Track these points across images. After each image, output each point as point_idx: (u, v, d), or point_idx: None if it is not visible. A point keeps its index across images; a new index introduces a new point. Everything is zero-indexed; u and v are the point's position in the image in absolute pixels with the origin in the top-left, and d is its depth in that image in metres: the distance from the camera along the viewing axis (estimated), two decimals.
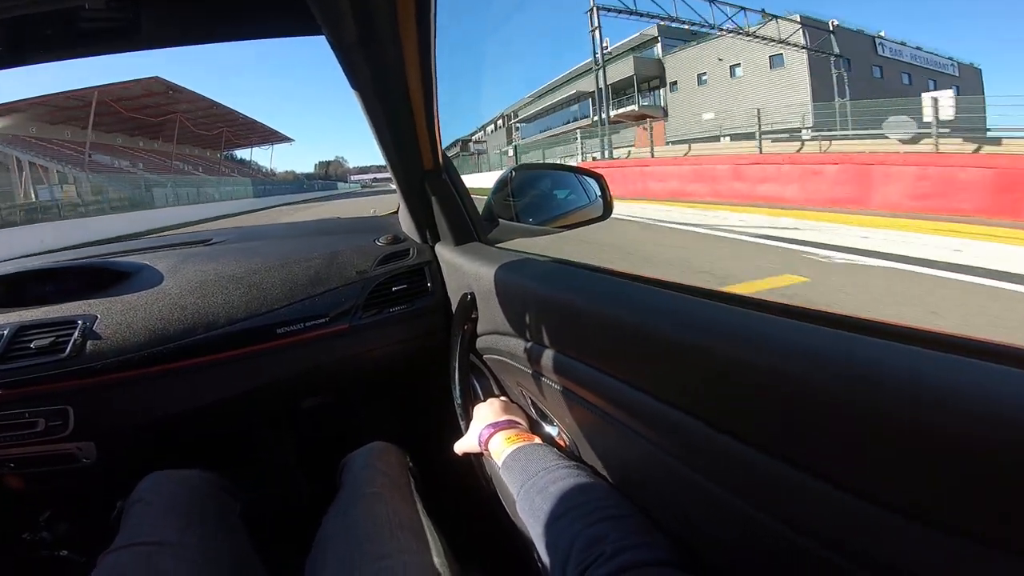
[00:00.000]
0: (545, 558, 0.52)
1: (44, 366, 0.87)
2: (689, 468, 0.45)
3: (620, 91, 27.89)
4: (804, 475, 0.34)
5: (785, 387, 0.35)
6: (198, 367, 0.95)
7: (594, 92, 22.94)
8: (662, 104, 27.17)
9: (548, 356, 0.67)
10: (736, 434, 0.39)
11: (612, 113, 24.80)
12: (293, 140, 48.96)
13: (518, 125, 38.67)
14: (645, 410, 0.49)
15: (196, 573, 0.66)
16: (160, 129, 33.49)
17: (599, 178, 1.07)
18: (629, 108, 27.11)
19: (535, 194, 1.10)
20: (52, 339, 0.88)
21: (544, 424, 0.81)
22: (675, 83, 26.42)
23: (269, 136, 46.79)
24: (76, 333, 0.89)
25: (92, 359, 0.88)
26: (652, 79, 27.50)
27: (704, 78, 25.14)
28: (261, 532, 0.85)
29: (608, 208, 1.05)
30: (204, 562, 0.68)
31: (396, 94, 0.80)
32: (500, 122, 43.97)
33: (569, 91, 31.20)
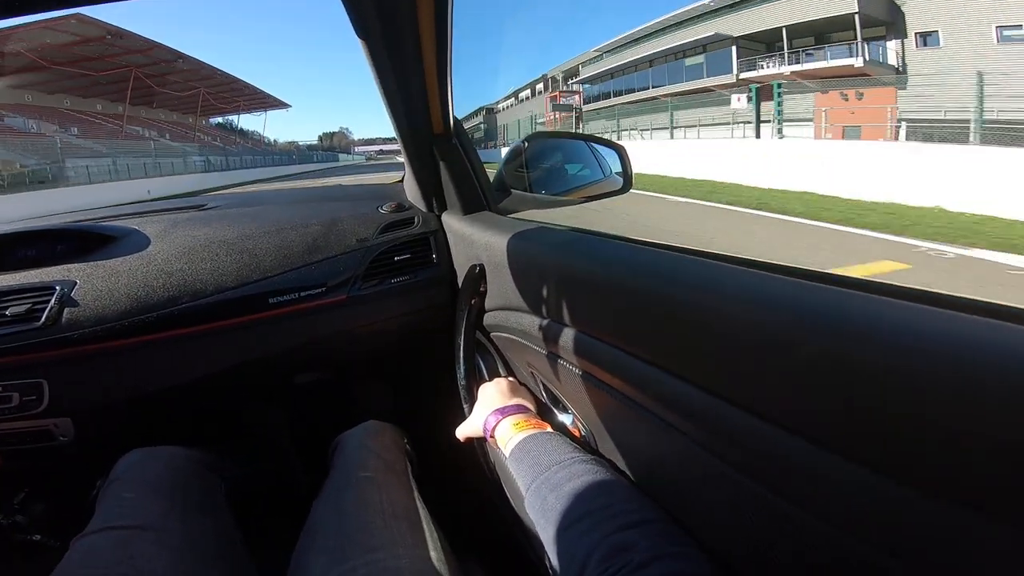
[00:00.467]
0: (556, 563, 0.47)
1: (18, 335, 0.81)
2: (726, 464, 0.39)
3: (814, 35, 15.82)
4: (866, 472, 0.29)
5: (846, 369, 0.29)
6: (184, 338, 0.88)
7: (736, 38, 16.56)
8: (888, 62, 14.45)
9: (566, 335, 0.60)
10: (788, 427, 0.33)
11: (795, 68, 15.98)
12: (290, 106, 45.68)
13: (576, 86, 29.32)
14: (677, 397, 0.43)
15: (177, 559, 0.61)
16: (123, 89, 29.26)
17: (619, 149, 1.01)
18: (838, 63, 15.01)
19: (551, 165, 1.05)
20: (28, 306, 0.82)
21: (556, 410, 0.75)
22: (930, 33, 13.36)
23: (259, 100, 42.44)
24: (53, 300, 0.82)
25: (69, 328, 0.82)
26: (874, 23, 14.48)
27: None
28: (249, 512, 0.80)
29: (628, 181, 0.99)
30: (186, 547, 0.63)
31: (408, 47, 0.74)
32: (540, 86, 34.68)
33: (689, 35, 19.69)
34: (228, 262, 0.92)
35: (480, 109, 44.42)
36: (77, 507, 0.93)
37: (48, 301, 0.82)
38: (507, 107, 40.24)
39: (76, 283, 0.85)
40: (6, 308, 0.82)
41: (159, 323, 0.86)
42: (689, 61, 20.33)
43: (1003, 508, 0.24)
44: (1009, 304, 0.29)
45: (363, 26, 0.70)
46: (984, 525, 0.24)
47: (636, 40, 23.34)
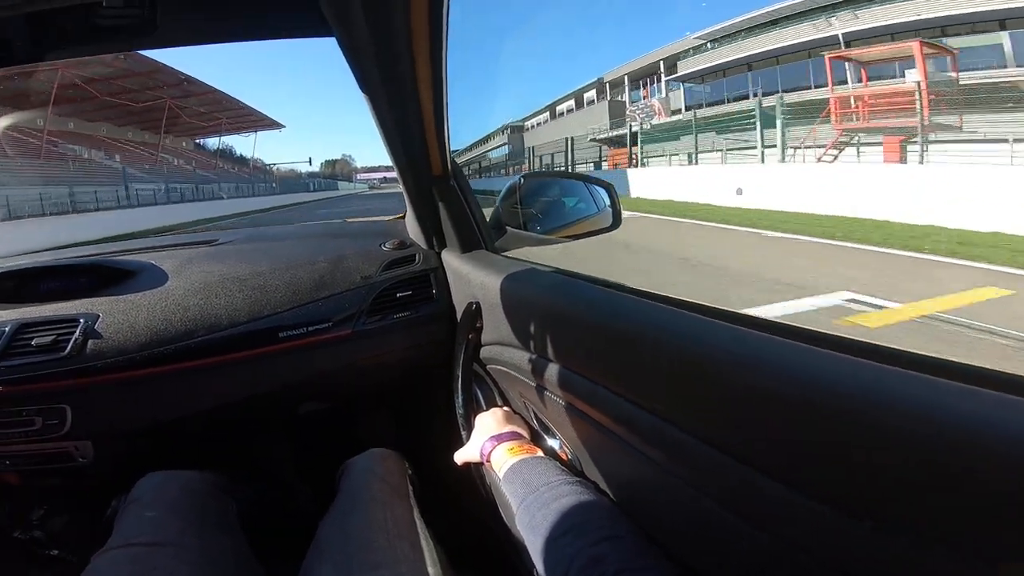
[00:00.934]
0: (543, 574, 0.51)
1: (44, 364, 0.86)
2: (693, 488, 0.44)
3: None
4: (811, 501, 0.33)
5: (789, 411, 0.35)
6: (199, 369, 0.94)
7: None
8: None
9: (552, 369, 0.66)
10: (741, 457, 0.38)
11: None
12: (283, 126, 40.45)
13: (675, 84, 22.20)
14: (648, 429, 0.48)
15: (194, 574, 0.65)
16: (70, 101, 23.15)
17: (608, 187, 1.07)
18: None
19: (543, 202, 1.10)
20: (53, 337, 0.88)
21: (546, 437, 0.79)
22: None
23: (247, 119, 35.86)
24: (77, 332, 0.88)
25: (92, 358, 0.88)
26: None
27: None
28: (258, 535, 0.84)
29: (617, 218, 1.04)
30: (202, 564, 0.67)
31: (406, 98, 0.80)
32: (592, 94, 28.37)
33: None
34: (241, 298, 0.98)
35: (504, 128, 40.68)
36: (94, 525, 0.97)
37: (73, 333, 0.88)
38: (539, 124, 35.51)
39: (99, 316, 0.91)
40: (32, 339, 0.88)
41: (176, 355, 0.91)
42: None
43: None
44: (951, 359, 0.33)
45: (364, 80, 0.76)
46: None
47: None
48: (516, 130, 38.87)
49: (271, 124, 39.11)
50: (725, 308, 0.49)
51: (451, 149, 0.97)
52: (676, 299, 0.54)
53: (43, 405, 0.88)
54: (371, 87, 0.77)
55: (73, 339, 0.88)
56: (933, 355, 0.34)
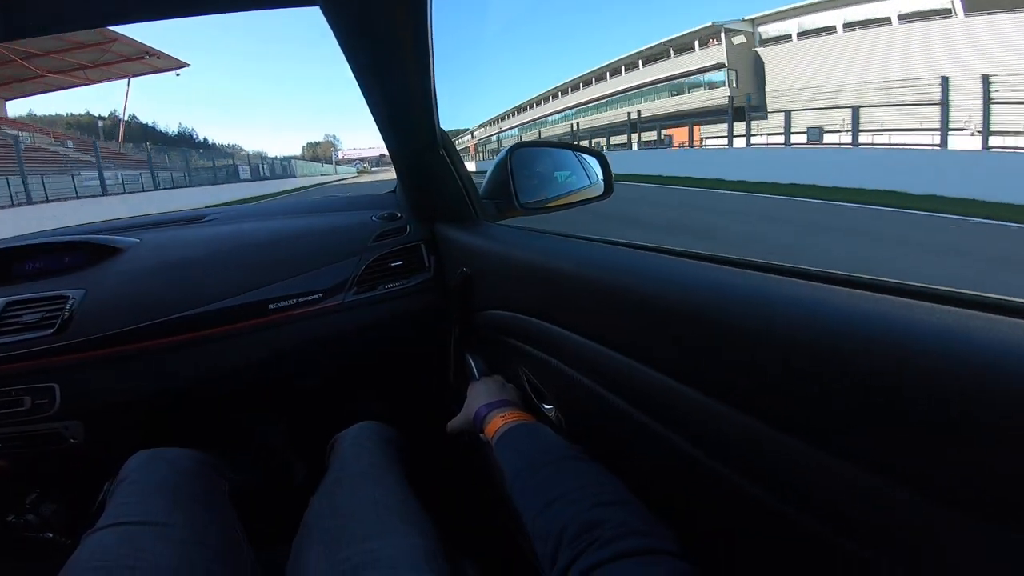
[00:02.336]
0: (537, 543, 0.50)
1: (31, 342, 0.86)
2: (692, 445, 0.43)
3: None
4: (820, 452, 0.31)
5: (795, 356, 0.33)
6: (188, 343, 0.93)
7: None
8: None
9: (547, 331, 0.65)
10: (743, 407, 0.37)
11: None
12: (187, 65, 24.01)
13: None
14: (648, 386, 0.47)
15: (182, 553, 0.64)
16: None
17: (600, 156, 1.06)
18: None
19: (535, 174, 1.09)
20: (41, 314, 0.87)
21: (540, 404, 0.80)
22: None
23: (106, 54, 19.91)
24: (66, 308, 0.87)
25: (80, 335, 0.87)
26: None
27: None
28: (248, 512, 0.83)
29: (609, 187, 1.04)
30: (191, 542, 0.66)
31: (393, 66, 0.78)
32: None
33: None
34: (230, 272, 0.97)
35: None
36: (86, 507, 0.97)
37: (61, 309, 0.87)
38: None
39: (86, 292, 0.90)
40: (21, 316, 0.87)
41: (165, 329, 0.90)
42: None
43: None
44: (999, 296, 0.30)
45: (349, 47, 0.75)
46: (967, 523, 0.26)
47: None
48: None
49: (165, 64, 23.07)
50: (727, 255, 0.47)
51: (440, 120, 0.96)
52: (678, 249, 0.53)
53: (31, 384, 0.87)
54: (357, 55, 0.75)
55: (61, 316, 0.87)
56: (913, 284, 0.33)
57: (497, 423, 0.68)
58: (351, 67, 0.79)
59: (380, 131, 0.95)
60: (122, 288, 0.92)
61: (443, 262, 1.08)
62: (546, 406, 0.78)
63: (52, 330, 0.86)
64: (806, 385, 0.32)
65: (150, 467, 0.78)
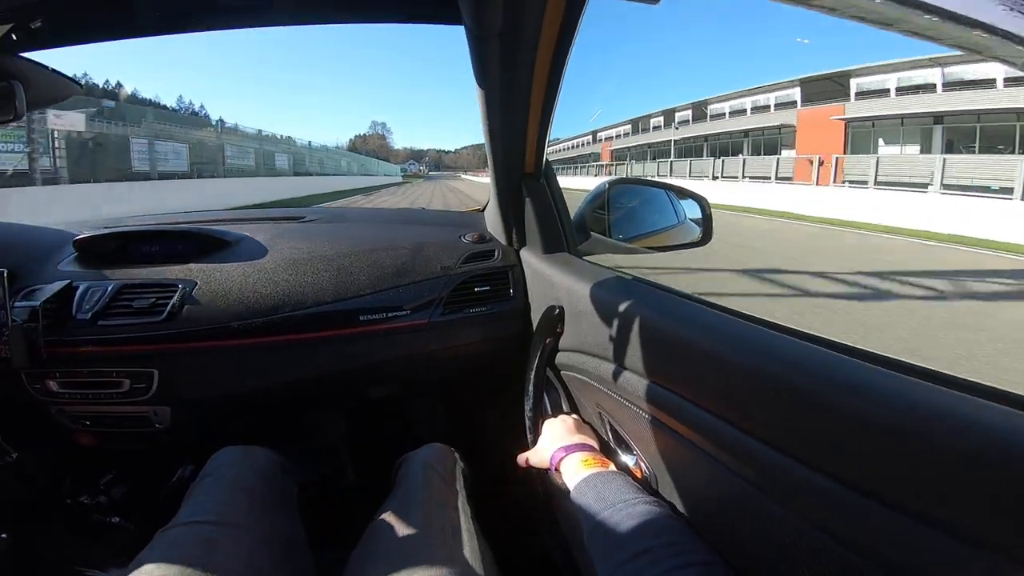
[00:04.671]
0: None
1: (141, 327, 0.89)
2: (785, 510, 0.42)
3: None
4: (913, 521, 0.33)
5: (899, 444, 0.34)
6: (282, 344, 0.95)
7: None
8: None
9: (638, 383, 0.64)
10: (841, 479, 0.37)
11: None
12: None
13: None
14: (743, 448, 0.46)
15: (252, 555, 0.65)
16: None
17: (701, 200, 1.03)
18: None
19: (629, 209, 1.07)
20: (152, 300, 0.91)
21: (619, 451, 0.77)
22: None
23: None
24: (175, 297, 0.91)
25: (187, 324, 0.90)
26: None
27: None
28: (311, 519, 0.84)
29: (708, 234, 1.00)
30: (262, 545, 0.67)
31: (519, 91, 0.79)
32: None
33: None
34: (327, 277, 0.99)
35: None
36: (157, 493, 1.00)
37: (171, 298, 0.91)
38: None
39: (196, 283, 0.94)
40: (132, 300, 0.91)
41: (264, 328, 0.93)
42: None
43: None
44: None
45: (484, 74, 0.76)
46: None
47: None
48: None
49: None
50: (821, 335, 0.48)
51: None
52: (782, 326, 0.52)
53: (133, 368, 0.91)
54: (488, 79, 0.76)
55: (171, 303, 0.90)
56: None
57: (577, 468, 0.66)
58: (479, 87, 0.80)
59: (488, 150, 0.96)
60: (229, 284, 0.95)
61: (528, 292, 1.07)
62: (625, 456, 0.75)
63: (161, 317, 0.90)
64: (913, 472, 0.34)
65: (236, 465, 0.80)
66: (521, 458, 0.79)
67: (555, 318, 0.87)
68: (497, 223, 1.14)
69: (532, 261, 1.04)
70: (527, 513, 0.98)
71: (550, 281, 0.92)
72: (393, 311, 1.00)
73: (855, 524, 0.36)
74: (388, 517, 0.75)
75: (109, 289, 0.91)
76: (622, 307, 0.69)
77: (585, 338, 0.78)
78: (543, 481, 0.89)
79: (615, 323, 0.70)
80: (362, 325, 0.98)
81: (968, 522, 0.30)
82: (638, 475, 0.71)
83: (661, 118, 32.54)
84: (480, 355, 1.10)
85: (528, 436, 0.85)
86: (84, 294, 0.91)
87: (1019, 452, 0.29)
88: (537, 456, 0.76)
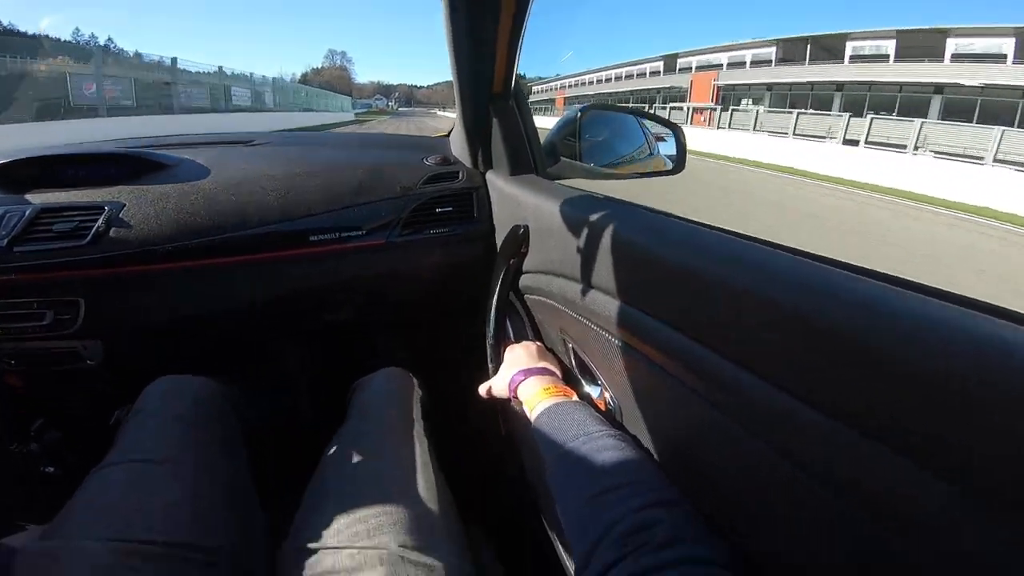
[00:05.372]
0: (570, 531, 0.47)
1: (62, 251, 0.81)
2: (762, 442, 0.39)
3: None
4: (910, 461, 0.29)
5: (905, 373, 0.29)
6: (223, 267, 0.89)
7: None
8: None
9: (607, 303, 0.60)
10: (827, 409, 0.33)
11: None
12: None
13: None
14: (720, 374, 0.42)
15: (191, 495, 0.61)
16: None
17: (675, 128, 0.99)
18: None
19: (603, 138, 1.03)
20: (75, 224, 0.82)
21: (583, 380, 0.74)
22: None
23: None
24: (100, 220, 0.83)
25: (113, 248, 0.82)
26: None
27: None
28: (259, 447, 0.81)
29: (682, 161, 0.97)
30: (198, 483, 0.63)
31: (489, 7, 0.73)
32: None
33: None
34: (274, 197, 0.92)
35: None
36: (94, 437, 0.94)
37: (96, 220, 0.83)
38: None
39: (125, 205, 0.85)
40: (53, 224, 0.82)
41: (201, 250, 0.86)
42: None
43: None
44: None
45: None
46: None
47: None
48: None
49: None
50: (818, 253, 0.44)
51: (518, 68, 0.90)
52: (768, 241, 0.48)
53: (56, 298, 0.83)
54: None
55: (96, 226, 0.82)
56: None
57: (537, 396, 0.63)
58: (447, 6, 0.73)
59: (453, 69, 0.89)
60: (162, 205, 0.87)
61: (494, 214, 1.03)
62: (589, 386, 0.73)
63: (84, 241, 0.81)
64: (906, 399, 0.30)
65: (171, 396, 0.75)
66: (483, 387, 0.75)
67: (519, 237, 0.82)
68: (463, 146, 1.07)
69: (498, 182, 0.99)
70: (488, 445, 0.97)
71: (516, 201, 0.88)
72: (347, 231, 0.94)
73: (840, 459, 0.33)
74: (339, 451, 0.71)
75: (27, 213, 0.82)
76: (592, 224, 0.65)
77: (551, 258, 0.74)
78: (504, 412, 0.87)
79: (584, 241, 0.66)
80: (312, 245, 0.92)
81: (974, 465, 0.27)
82: (601, 407, 0.69)
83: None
84: (442, 278, 1.06)
85: (490, 365, 0.82)
86: None
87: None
88: (496, 383, 0.72)
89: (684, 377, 0.48)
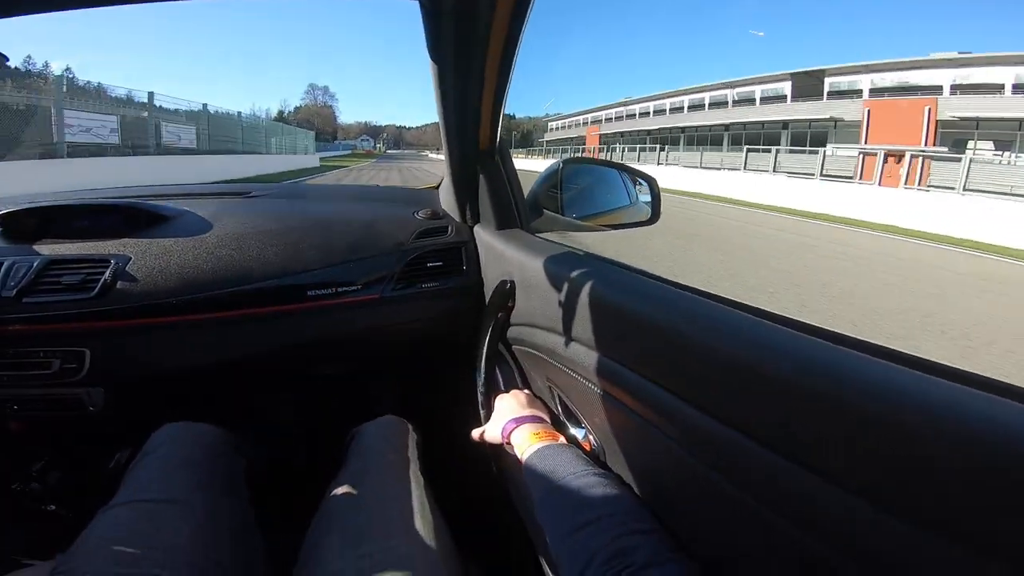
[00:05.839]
0: (561, 561, 0.52)
1: (70, 304, 0.84)
2: (733, 486, 0.44)
3: None
4: (861, 500, 0.33)
5: (846, 419, 0.35)
6: (224, 320, 0.92)
7: None
8: None
9: (587, 356, 0.66)
10: (791, 456, 0.38)
11: None
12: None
13: None
14: (691, 423, 0.48)
15: (198, 534, 0.64)
16: None
17: (650, 181, 1.06)
18: None
19: (582, 189, 1.09)
20: (83, 276, 0.86)
21: (569, 425, 0.80)
22: None
23: None
24: (107, 272, 0.86)
25: (119, 301, 0.86)
26: None
27: None
28: (262, 498, 0.83)
29: (656, 213, 1.04)
30: (207, 524, 0.66)
31: (473, 68, 0.78)
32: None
33: None
34: (273, 252, 0.96)
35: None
36: (93, 479, 0.96)
37: (103, 273, 0.86)
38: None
39: (131, 258, 0.89)
40: (61, 276, 0.85)
41: (204, 304, 0.90)
42: None
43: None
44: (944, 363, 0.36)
45: (438, 50, 0.75)
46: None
47: None
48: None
49: None
50: (781, 313, 0.49)
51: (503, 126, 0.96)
52: (732, 300, 0.54)
53: (63, 347, 0.86)
54: (442, 55, 0.75)
55: (103, 279, 0.86)
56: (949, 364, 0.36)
57: (527, 440, 0.68)
58: (432, 64, 0.78)
59: (442, 127, 0.95)
60: (167, 259, 0.91)
61: (482, 267, 1.08)
62: (574, 429, 0.78)
63: (92, 293, 0.85)
64: (865, 449, 0.34)
65: (178, 441, 0.78)
66: (475, 433, 0.81)
67: (506, 292, 0.88)
68: (451, 200, 1.13)
69: (485, 237, 1.04)
70: (481, 488, 1.01)
71: (502, 256, 0.93)
72: (344, 286, 0.98)
73: (804, 503, 0.37)
74: (341, 491, 0.74)
75: (35, 264, 0.85)
76: (573, 280, 0.70)
77: (536, 311, 0.80)
78: (496, 455, 0.92)
79: (565, 296, 0.72)
80: (311, 300, 0.96)
81: (950, 516, 0.30)
82: (587, 448, 0.74)
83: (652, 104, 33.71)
84: (433, 331, 1.10)
85: (481, 412, 0.87)
86: (8, 270, 0.85)
87: (931, 417, 0.31)
88: (489, 430, 0.78)
89: (657, 422, 0.53)
